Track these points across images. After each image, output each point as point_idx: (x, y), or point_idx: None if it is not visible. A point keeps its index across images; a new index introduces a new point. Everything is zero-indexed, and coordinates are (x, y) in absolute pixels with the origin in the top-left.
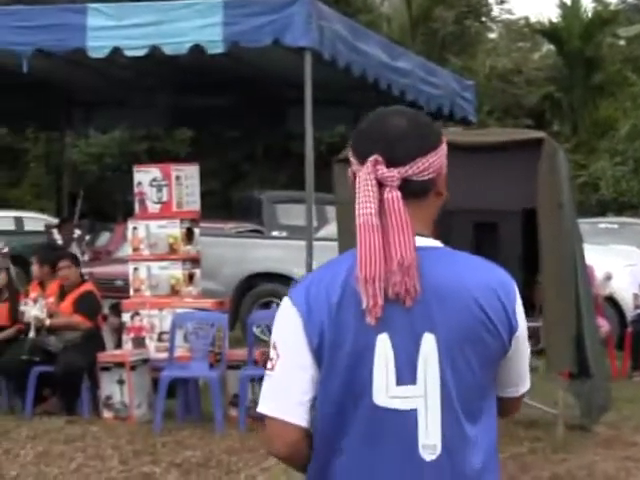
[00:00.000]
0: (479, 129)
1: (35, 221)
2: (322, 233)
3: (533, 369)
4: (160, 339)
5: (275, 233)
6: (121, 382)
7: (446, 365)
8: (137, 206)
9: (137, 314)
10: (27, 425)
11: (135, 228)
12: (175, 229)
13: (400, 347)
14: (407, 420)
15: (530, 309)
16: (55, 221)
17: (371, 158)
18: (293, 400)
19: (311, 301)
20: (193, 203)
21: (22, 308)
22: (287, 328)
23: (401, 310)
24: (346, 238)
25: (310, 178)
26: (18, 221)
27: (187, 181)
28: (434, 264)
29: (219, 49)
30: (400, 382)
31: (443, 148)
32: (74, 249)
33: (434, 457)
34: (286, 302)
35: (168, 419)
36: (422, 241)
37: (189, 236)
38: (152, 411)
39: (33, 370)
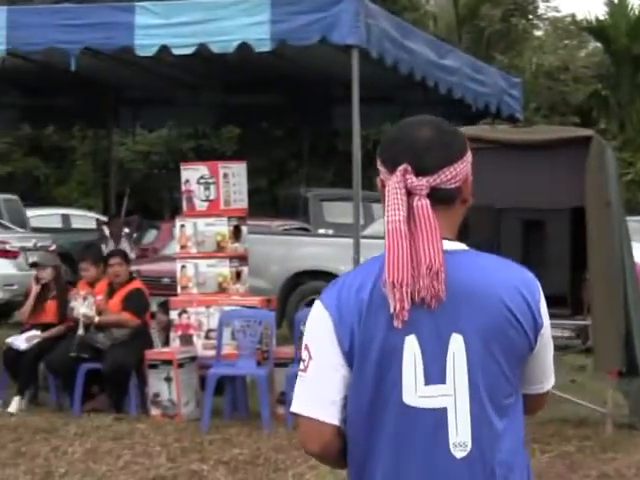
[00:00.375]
0: (526, 127)
1: (82, 219)
2: (369, 231)
3: (582, 368)
4: (208, 337)
5: (322, 231)
6: (169, 380)
7: (474, 364)
8: (185, 204)
9: (185, 312)
10: (75, 422)
11: (183, 226)
12: (223, 227)
13: (428, 348)
14: (437, 419)
15: (578, 308)
16: (104, 218)
17: (400, 167)
18: (326, 400)
19: (342, 304)
20: (241, 201)
21: (71, 305)
22: (319, 330)
23: (428, 312)
24: None
25: (357, 176)
26: (65, 219)
27: (235, 179)
28: (460, 266)
29: (266, 47)
30: (429, 382)
31: (469, 156)
32: (123, 246)
33: (465, 454)
34: (318, 305)
35: (216, 417)
36: (448, 244)
37: (236, 234)
38: (200, 409)
39: (81, 367)
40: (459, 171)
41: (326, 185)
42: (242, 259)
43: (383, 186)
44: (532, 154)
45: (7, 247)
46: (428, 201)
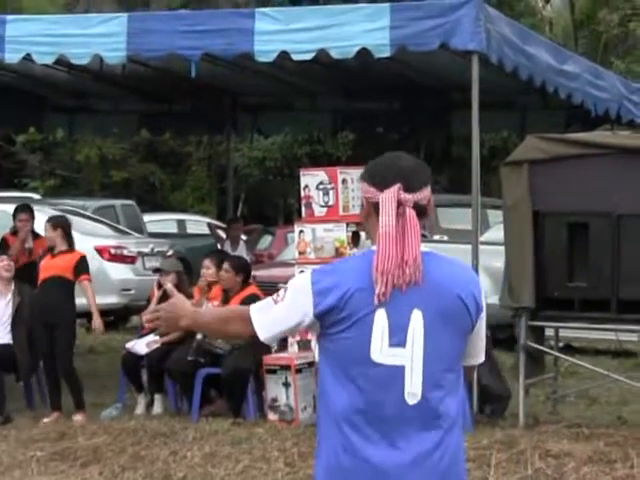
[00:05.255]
0: None
1: (197, 224)
2: (485, 237)
3: None
4: None
5: (437, 237)
6: (287, 385)
7: (429, 335)
8: (304, 209)
9: None
10: (193, 427)
11: (301, 231)
12: (341, 232)
13: (393, 319)
14: (396, 373)
15: None
16: (217, 222)
17: (396, 186)
18: (274, 328)
19: (329, 280)
20: (359, 206)
21: None
22: (301, 289)
23: (399, 293)
24: (513, 241)
25: (476, 181)
26: (180, 224)
27: (353, 184)
28: (427, 262)
29: (386, 53)
30: (392, 344)
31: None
32: (240, 250)
33: (415, 402)
34: (309, 273)
35: None
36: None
37: (355, 240)
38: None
39: (200, 372)
40: (429, 192)
41: (441, 191)
42: None
43: (368, 202)
44: None
45: (125, 252)
46: (414, 211)
